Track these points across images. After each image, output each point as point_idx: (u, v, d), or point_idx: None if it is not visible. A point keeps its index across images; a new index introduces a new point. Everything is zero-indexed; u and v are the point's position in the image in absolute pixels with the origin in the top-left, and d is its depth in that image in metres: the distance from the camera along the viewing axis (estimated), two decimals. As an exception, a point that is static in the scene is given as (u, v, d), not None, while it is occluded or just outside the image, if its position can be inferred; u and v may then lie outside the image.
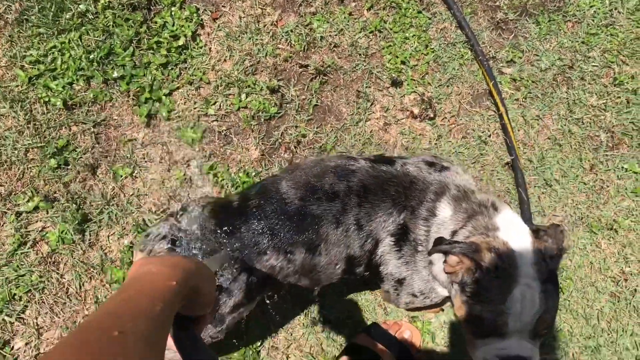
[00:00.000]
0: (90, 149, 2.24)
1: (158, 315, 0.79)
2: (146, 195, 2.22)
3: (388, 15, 2.47)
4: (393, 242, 1.70)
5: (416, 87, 2.40)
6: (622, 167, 2.35)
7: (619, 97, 2.42)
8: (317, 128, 2.35)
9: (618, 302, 2.23)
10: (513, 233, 1.47)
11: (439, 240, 1.43)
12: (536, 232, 1.46)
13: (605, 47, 2.47)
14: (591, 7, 2.51)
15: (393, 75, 2.39)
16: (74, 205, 2.14)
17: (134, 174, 2.23)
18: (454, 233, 1.59)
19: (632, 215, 2.31)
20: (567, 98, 2.41)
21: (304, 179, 1.68)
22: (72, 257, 2.12)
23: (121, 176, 2.22)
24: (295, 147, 2.32)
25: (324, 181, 1.67)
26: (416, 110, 2.36)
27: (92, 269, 2.12)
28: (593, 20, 2.50)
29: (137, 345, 0.71)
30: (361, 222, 1.65)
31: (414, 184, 1.69)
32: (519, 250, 1.40)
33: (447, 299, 1.97)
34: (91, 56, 2.28)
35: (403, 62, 2.42)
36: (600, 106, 2.41)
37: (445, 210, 1.64)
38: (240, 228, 1.59)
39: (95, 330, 0.72)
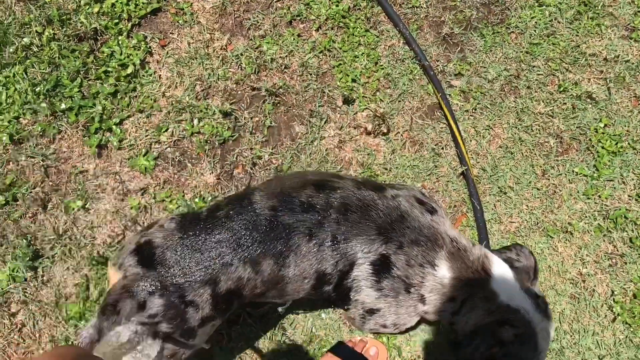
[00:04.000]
0: (40, 183, 2.19)
1: None
2: (100, 227, 2.17)
3: (336, 35, 2.51)
4: (372, 271, 1.68)
5: (368, 103, 2.43)
6: (573, 171, 2.41)
7: (565, 103, 2.49)
8: (272, 149, 2.35)
9: (578, 303, 2.26)
10: (508, 292, 1.62)
11: (456, 344, 1.59)
12: (510, 264, 1.58)
13: (548, 56, 2.54)
14: (532, 18, 2.59)
15: (345, 93, 2.41)
16: (25, 241, 2.08)
17: (86, 206, 2.19)
18: (452, 300, 1.68)
19: (586, 217, 2.36)
20: (516, 107, 2.47)
21: (279, 190, 1.67)
22: (25, 295, 2.05)
23: (73, 209, 2.17)
24: (251, 169, 2.31)
25: (302, 193, 1.66)
26: (369, 127, 2.39)
27: (46, 307, 2.05)
28: (535, 31, 2.58)
29: None
30: (338, 239, 1.63)
31: (405, 219, 1.70)
32: (521, 305, 1.57)
33: (418, 323, 1.97)
34: (37, 89, 2.24)
35: (354, 80, 2.45)
36: (548, 113, 2.47)
37: (443, 268, 1.69)
38: (204, 240, 1.57)
39: None
